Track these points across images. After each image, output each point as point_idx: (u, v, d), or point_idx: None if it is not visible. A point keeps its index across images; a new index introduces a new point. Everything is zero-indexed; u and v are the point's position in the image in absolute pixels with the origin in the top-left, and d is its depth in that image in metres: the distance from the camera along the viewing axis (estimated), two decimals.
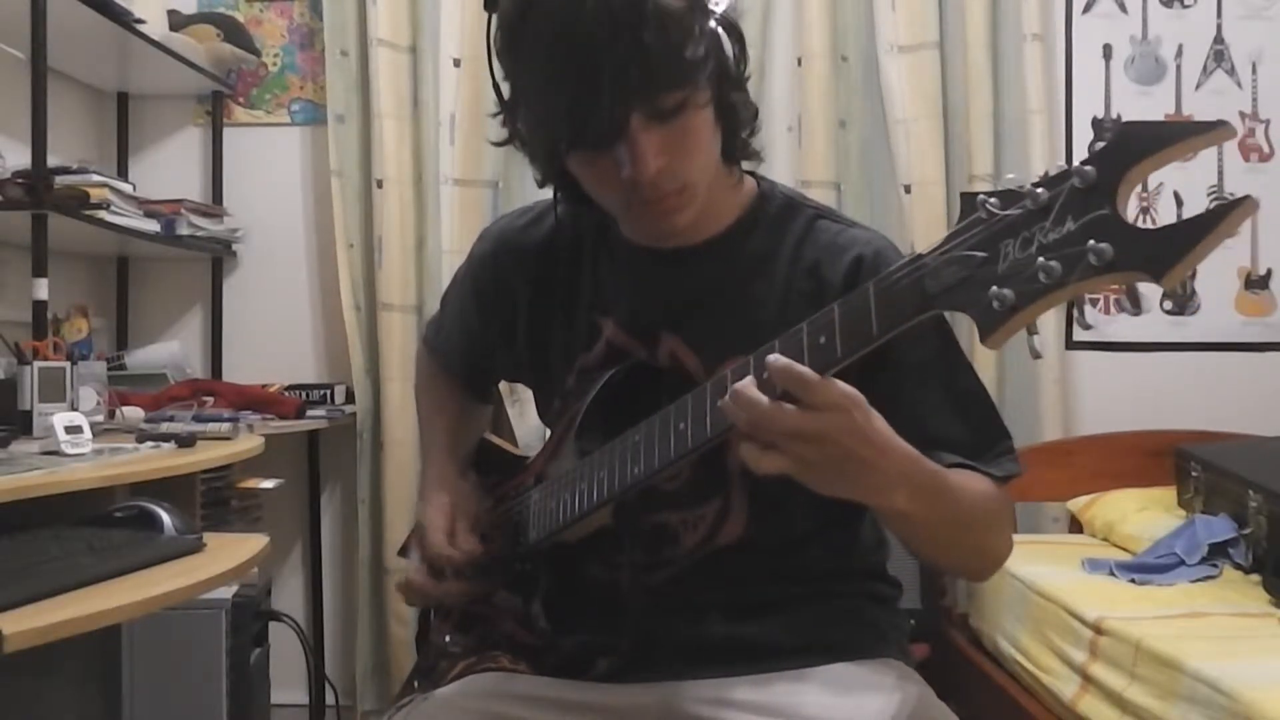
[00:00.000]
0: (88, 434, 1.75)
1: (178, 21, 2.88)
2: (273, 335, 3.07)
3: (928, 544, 1.05)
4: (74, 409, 1.98)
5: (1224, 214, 0.70)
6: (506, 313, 1.28)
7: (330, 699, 2.79)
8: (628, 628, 1.15)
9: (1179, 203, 3.02)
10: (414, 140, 2.94)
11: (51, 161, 2.22)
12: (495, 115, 1.13)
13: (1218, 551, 2.30)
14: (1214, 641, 1.82)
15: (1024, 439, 2.83)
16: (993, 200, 0.79)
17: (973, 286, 0.79)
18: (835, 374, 0.88)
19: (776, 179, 1.25)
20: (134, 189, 2.65)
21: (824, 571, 1.18)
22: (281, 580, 3.02)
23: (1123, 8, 3.04)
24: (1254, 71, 3.04)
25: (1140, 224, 0.72)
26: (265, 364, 3.00)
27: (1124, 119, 3.03)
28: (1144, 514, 2.58)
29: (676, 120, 1.02)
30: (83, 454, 1.70)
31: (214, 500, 2.37)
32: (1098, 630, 1.99)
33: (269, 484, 2.63)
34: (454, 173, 2.91)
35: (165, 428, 2.13)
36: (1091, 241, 0.73)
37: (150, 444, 1.88)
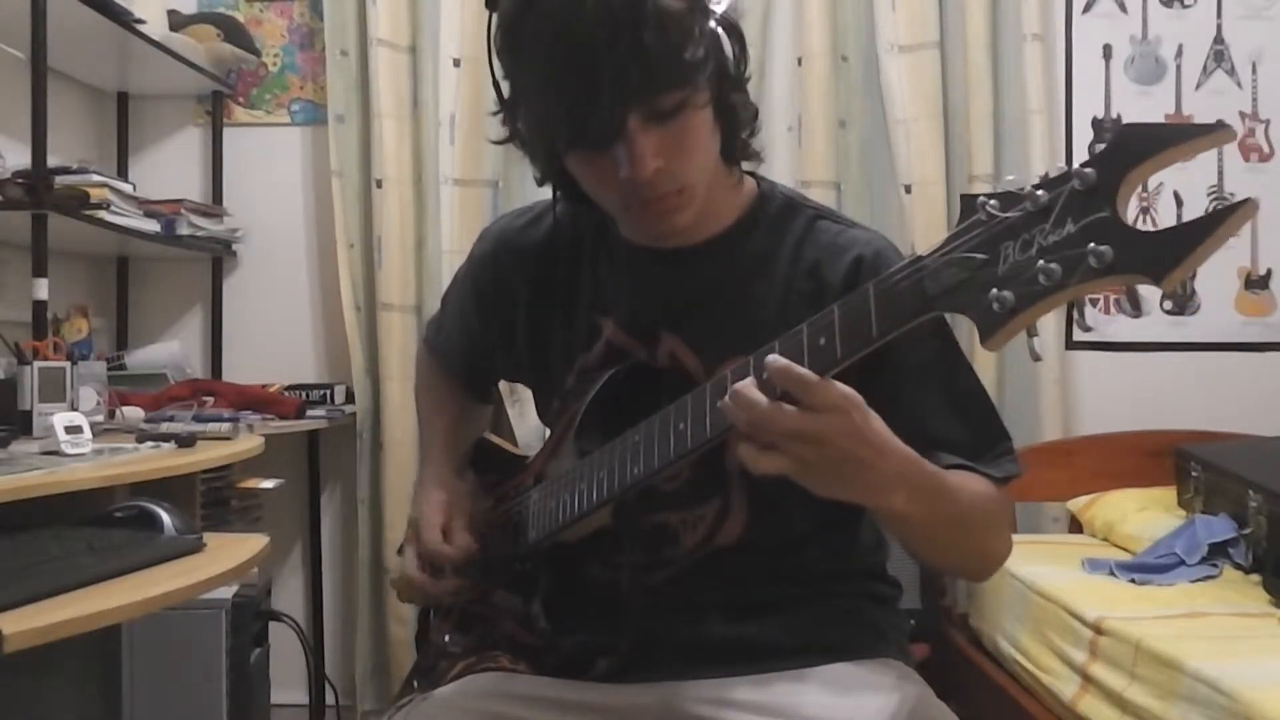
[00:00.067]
0: (88, 434, 1.75)
1: (178, 21, 2.88)
2: (273, 335, 3.07)
3: (927, 545, 1.05)
4: (74, 409, 1.98)
5: (1224, 217, 0.70)
6: (506, 313, 1.28)
7: (330, 699, 2.79)
8: (628, 628, 1.15)
9: (1179, 203, 3.02)
10: (414, 140, 2.94)
11: (51, 161, 2.22)
12: (495, 114, 1.13)
13: (1218, 551, 2.30)
14: (1214, 641, 1.82)
15: (1024, 439, 2.83)
16: (993, 202, 0.79)
17: (973, 288, 0.79)
18: (835, 375, 0.88)
19: (776, 179, 1.25)
20: (134, 189, 2.65)
21: (823, 572, 1.18)
22: (281, 580, 3.02)
23: (1123, 8, 3.04)
24: (1254, 71, 3.04)
25: (1140, 224, 0.72)
26: (265, 364, 3.00)
27: (1124, 119, 3.04)
28: (1144, 514, 2.58)
29: (675, 121, 1.02)
30: (83, 454, 1.70)
31: (214, 500, 2.37)
32: (1098, 630, 1.99)
33: (269, 484, 2.63)
34: (454, 173, 2.91)
35: (165, 428, 2.13)
36: (1091, 244, 0.73)
37: (150, 444, 1.88)
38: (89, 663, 1.93)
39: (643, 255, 1.18)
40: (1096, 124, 3.05)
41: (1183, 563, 2.28)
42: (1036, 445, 2.86)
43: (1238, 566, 2.27)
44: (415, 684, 1.26)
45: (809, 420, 0.86)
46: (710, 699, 1.10)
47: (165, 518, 1.47)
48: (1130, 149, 0.74)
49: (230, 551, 1.47)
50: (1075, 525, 2.84)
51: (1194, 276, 3.02)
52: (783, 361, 0.87)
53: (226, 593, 2.13)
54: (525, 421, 2.73)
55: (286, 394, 2.76)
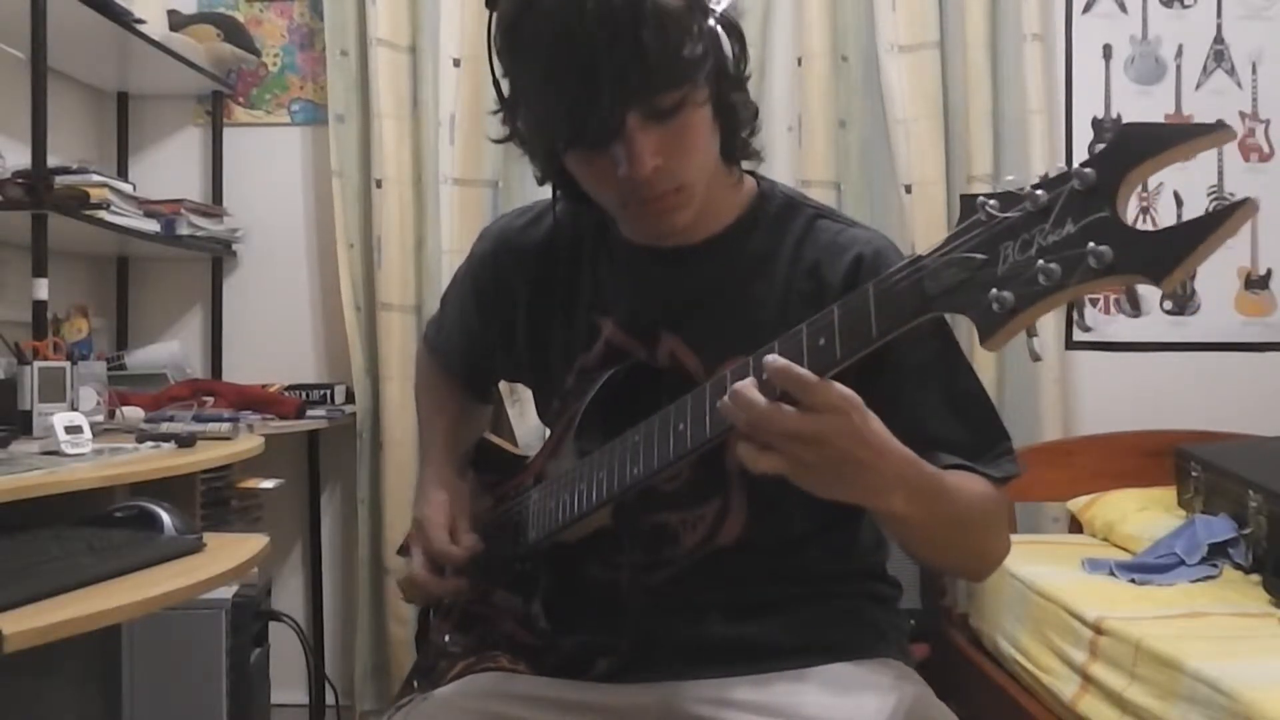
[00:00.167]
0: (88, 434, 1.75)
1: (178, 21, 2.88)
2: (273, 335, 3.07)
3: (925, 546, 1.05)
4: (74, 409, 1.98)
5: (1224, 216, 0.70)
6: (506, 312, 1.28)
7: (330, 699, 2.79)
8: (627, 628, 1.15)
9: (1179, 203, 3.02)
10: (414, 140, 2.94)
11: (51, 161, 2.22)
12: (495, 113, 1.13)
13: (1218, 551, 2.30)
14: (1214, 641, 1.82)
15: (1024, 439, 2.83)
16: (992, 202, 0.79)
17: (972, 288, 0.79)
18: (834, 375, 0.88)
19: (776, 179, 1.25)
20: (134, 189, 2.65)
21: (823, 572, 1.18)
22: (281, 580, 3.02)
23: (1123, 8, 3.04)
24: (1254, 71, 3.04)
25: (1140, 224, 0.72)
26: (265, 364, 3.00)
27: (1124, 119, 3.03)
28: (1144, 514, 2.58)
29: (674, 119, 1.02)
30: (83, 454, 1.70)
31: (214, 500, 2.37)
32: (1098, 630, 1.99)
33: (269, 484, 2.63)
34: (454, 172, 2.91)
35: (165, 428, 2.13)
36: (1091, 244, 0.73)
37: (150, 444, 1.88)
38: (89, 663, 1.93)
39: (643, 255, 1.18)
40: (1096, 124, 3.05)
41: (1183, 563, 2.28)
42: (1036, 445, 2.87)
43: (1238, 566, 2.27)
44: (415, 684, 1.26)
45: (808, 421, 0.86)
46: (710, 699, 1.10)
47: (165, 518, 1.47)
48: (1130, 149, 0.74)
49: (230, 551, 1.47)
50: (1075, 525, 2.84)
51: (1194, 276, 3.02)
52: (782, 362, 0.87)
53: (226, 593, 2.13)
54: (525, 421, 2.73)
55: (286, 394, 2.76)
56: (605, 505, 1.10)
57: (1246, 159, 3.04)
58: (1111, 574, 2.31)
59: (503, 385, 2.13)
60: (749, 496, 1.14)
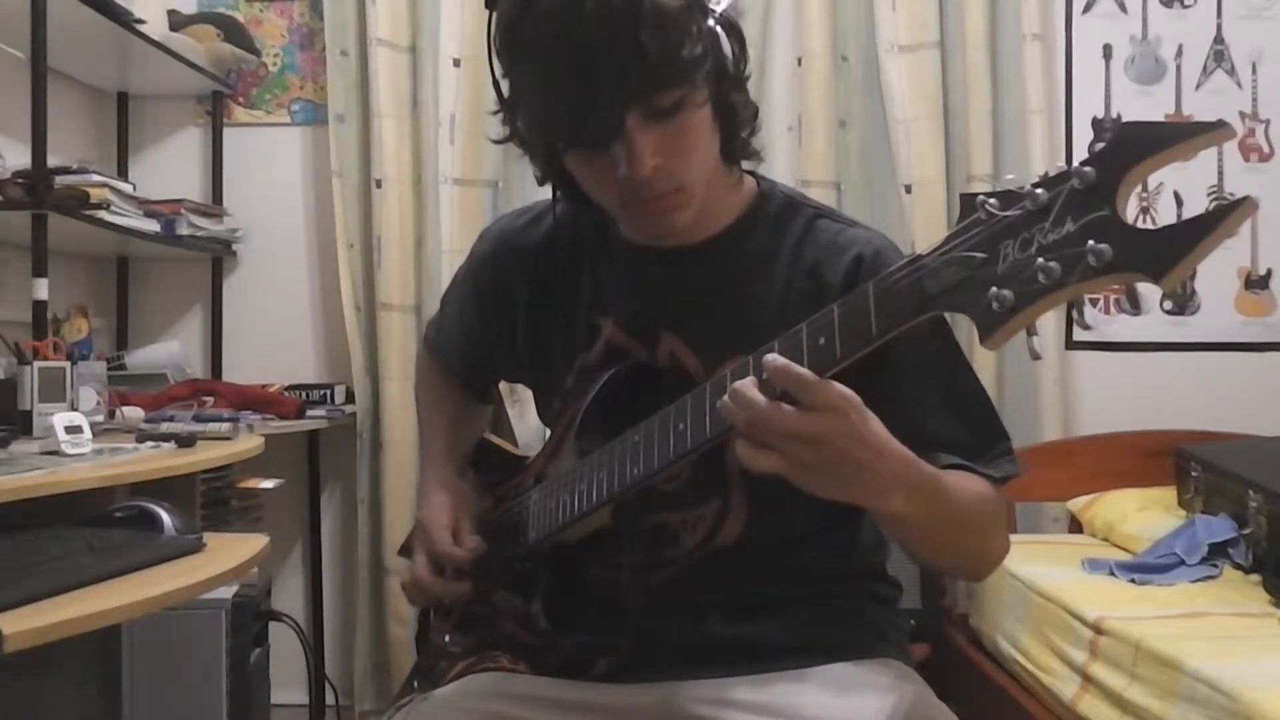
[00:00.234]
0: (88, 434, 1.75)
1: (178, 21, 2.88)
2: (273, 335, 3.07)
3: (924, 546, 1.05)
4: (74, 409, 1.98)
5: (1223, 215, 0.70)
6: (506, 313, 1.28)
7: (330, 699, 2.79)
8: (627, 628, 1.15)
9: (1179, 203, 3.02)
10: (414, 140, 2.94)
11: (51, 161, 2.22)
12: (495, 113, 1.13)
13: (1218, 551, 2.30)
14: (1214, 641, 1.82)
15: (1024, 439, 2.83)
16: (992, 201, 0.79)
17: (972, 287, 0.79)
18: (834, 375, 0.88)
19: (776, 179, 1.25)
20: (134, 189, 2.65)
21: (823, 572, 1.18)
22: (281, 580, 3.02)
23: (1123, 8, 3.04)
24: (1254, 71, 3.04)
25: (1140, 224, 0.72)
26: (265, 364, 3.00)
27: (1124, 119, 3.03)
28: (1144, 514, 2.58)
29: (674, 119, 1.02)
30: (83, 454, 1.70)
31: (214, 500, 2.37)
32: (1098, 630, 1.99)
33: (269, 484, 2.63)
34: (454, 172, 2.91)
35: (165, 428, 2.13)
36: (1091, 242, 0.73)
37: (150, 444, 1.88)
38: (89, 663, 1.93)
39: (643, 255, 1.18)
40: (1096, 124, 3.05)
41: (1183, 563, 2.28)
42: (1036, 445, 2.87)
43: (1238, 566, 2.27)
44: (415, 684, 1.26)
45: (808, 420, 0.86)
46: (710, 699, 1.10)
47: (165, 518, 1.47)
48: (1130, 148, 0.74)
49: (230, 551, 1.47)
50: (1075, 525, 2.84)
51: (1194, 276, 3.03)
52: (782, 361, 0.87)
53: (226, 593, 2.13)
54: (525, 421, 2.73)
55: (286, 394, 2.76)
56: (605, 505, 1.10)
57: (1246, 159, 3.04)
58: (1111, 574, 2.31)
59: (503, 385, 2.13)
60: (749, 496, 1.14)
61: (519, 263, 1.27)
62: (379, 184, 2.90)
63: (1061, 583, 2.27)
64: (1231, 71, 3.04)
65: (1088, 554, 2.46)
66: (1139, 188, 2.87)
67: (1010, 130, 2.91)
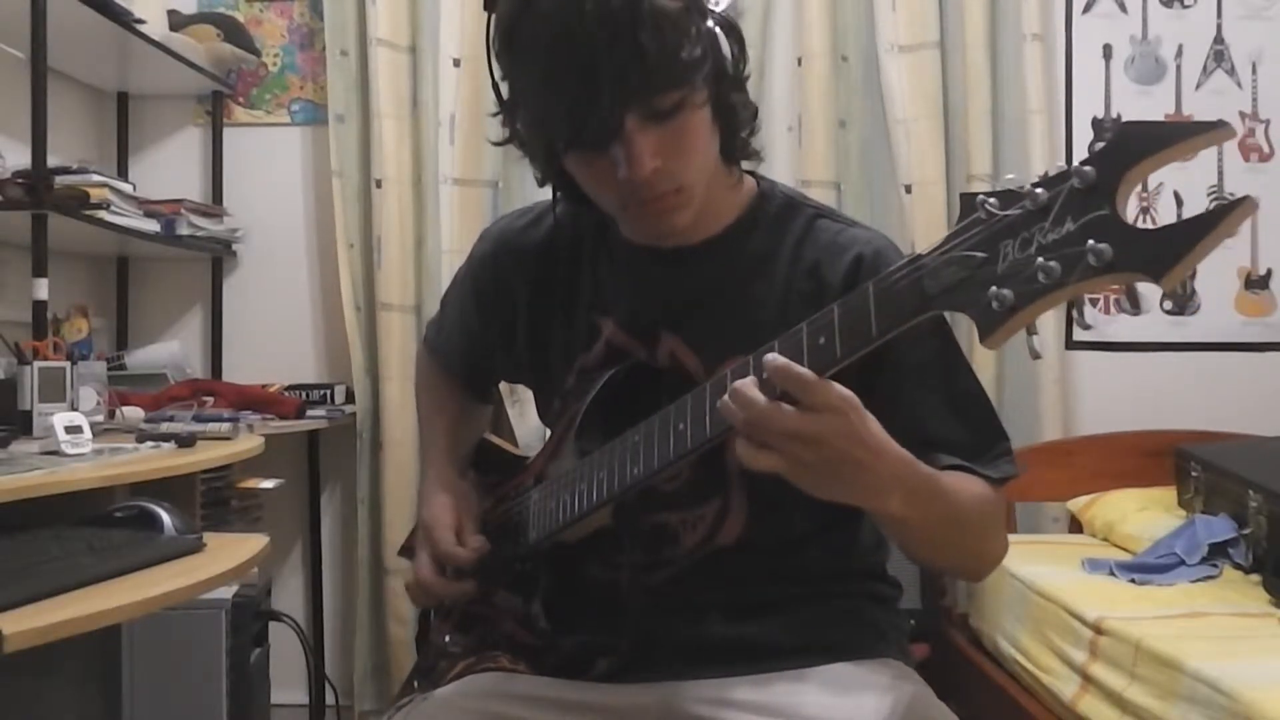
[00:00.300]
0: (88, 434, 1.75)
1: (178, 21, 2.88)
2: (273, 335, 3.07)
3: (923, 546, 1.06)
4: (74, 409, 1.98)
5: (1223, 214, 0.70)
6: (506, 313, 1.28)
7: (330, 699, 2.79)
8: (628, 628, 1.15)
9: (1179, 202, 3.02)
10: (414, 140, 2.94)
11: (51, 161, 2.22)
12: (495, 115, 1.13)
13: (1218, 551, 2.30)
14: (1214, 641, 1.82)
15: (1024, 439, 2.83)
16: (992, 200, 0.79)
17: (972, 287, 0.79)
18: (834, 374, 0.88)
19: (776, 179, 1.25)
20: (134, 189, 2.65)
21: (823, 572, 1.18)
22: (281, 580, 3.02)
23: (1123, 8, 3.04)
24: (1254, 71, 3.04)
25: (1140, 223, 0.72)
26: (265, 364, 3.00)
27: (1124, 119, 3.03)
28: (1144, 514, 2.58)
29: (673, 120, 1.02)
30: (83, 454, 1.70)
31: (214, 500, 2.37)
32: (1098, 630, 1.99)
33: (269, 484, 2.63)
34: (454, 172, 2.91)
35: (165, 428, 2.13)
36: (1091, 242, 0.73)
37: (150, 444, 1.88)
38: (89, 663, 1.93)
39: (643, 255, 1.18)
40: (1096, 124, 3.05)
41: (1183, 563, 2.28)
42: (1036, 445, 2.87)
43: (1238, 566, 2.27)
44: (415, 684, 1.26)
45: (807, 420, 0.86)
46: (710, 699, 1.10)
47: (165, 518, 1.47)
48: (1130, 147, 0.74)
49: (230, 551, 1.47)
50: (1075, 525, 2.84)
51: (1194, 276, 3.03)
52: (782, 361, 0.87)
53: (226, 593, 2.13)
54: (525, 421, 2.73)
55: (286, 394, 2.76)
56: (605, 505, 1.10)
57: (1246, 159, 3.04)
58: (1111, 574, 2.31)
59: (503, 385, 2.13)
60: (749, 496, 1.14)
61: (519, 263, 1.27)
62: (379, 184, 2.90)
63: (1061, 583, 2.27)
64: (1231, 71, 3.04)
65: (1088, 554, 2.46)
66: (1139, 187, 2.87)
67: (1010, 130, 2.91)
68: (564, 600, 1.18)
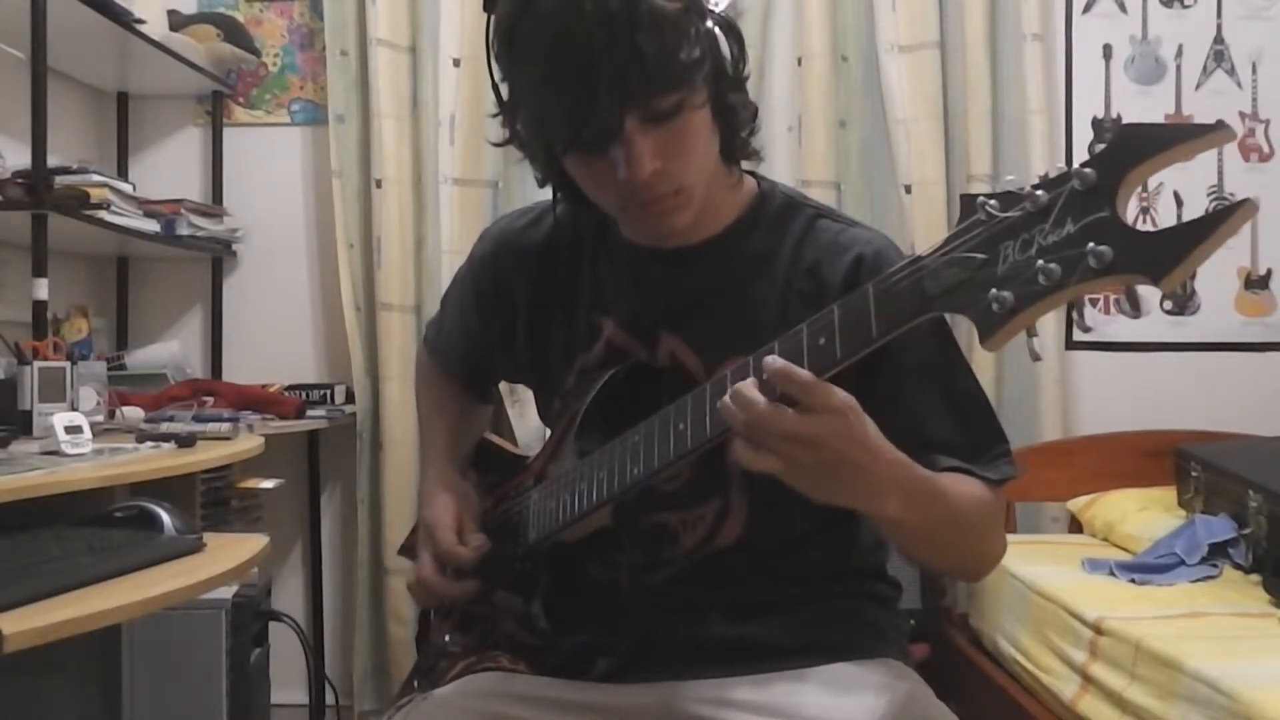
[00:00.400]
0: (88, 434, 1.75)
1: (178, 21, 2.88)
2: (273, 335, 3.07)
3: (921, 548, 1.06)
4: (74, 409, 1.98)
5: (1224, 217, 0.70)
6: (506, 313, 1.28)
7: (330, 699, 2.79)
8: (627, 628, 1.15)
9: (1179, 203, 3.02)
10: (414, 140, 2.94)
11: (51, 161, 2.22)
12: (495, 115, 1.13)
13: (1218, 551, 2.30)
14: (1214, 641, 1.82)
15: (1024, 439, 2.83)
16: (992, 202, 0.79)
17: (972, 288, 0.79)
18: (834, 375, 0.88)
19: (776, 179, 1.25)
20: (134, 189, 2.65)
21: (823, 572, 1.18)
22: (281, 580, 3.02)
23: (1123, 8, 3.04)
24: (1254, 71, 3.04)
25: (1140, 224, 0.72)
26: (265, 364, 3.00)
27: (1124, 119, 3.04)
28: (1144, 514, 2.58)
29: (673, 122, 1.02)
30: (83, 454, 1.70)
31: (214, 500, 2.37)
32: (1098, 630, 1.99)
33: (269, 484, 2.63)
34: (454, 173, 2.91)
35: (165, 428, 2.13)
36: (1091, 244, 0.73)
37: (150, 444, 1.88)
38: (89, 663, 1.93)
39: (643, 255, 1.18)
40: (1096, 124, 3.05)
41: (1183, 563, 2.28)
42: (1036, 445, 2.87)
43: (1238, 566, 2.27)
44: (415, 684, 1.26)
45: (806, 423, 0.87)
46: (710, 699, 1.10)
47: (165, 518, 1.47)
48: (1130, 149, 0.74)
49: (230, 551, 1.47)
50: (1075, 525, 2.84)
51: (1194, 276, 3.02)
52: (781, 363, 0.87)
53: (226, 593, 2.13)
54: (525, 421, 2.73)
55: (286, 394, 2.76)
56: (605, 505, 1.10)
57: (1246, 159, 3.04)
58: (1111, 574, 2.31)
59: (503, 385, 2.14)
60: (749, 496, 1.14)
61: (519, 263, 1.27)
62: (379, 184, 2.90)
63: (1061, 583, 2.27)
64: (1231, 71, 3.04)
65: (1088, 554, 2.46)
66: (1139, 189, 2.86)
67: (1010, 130, 2.91)
68: (564, 600, 1.18)
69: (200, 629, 2.11)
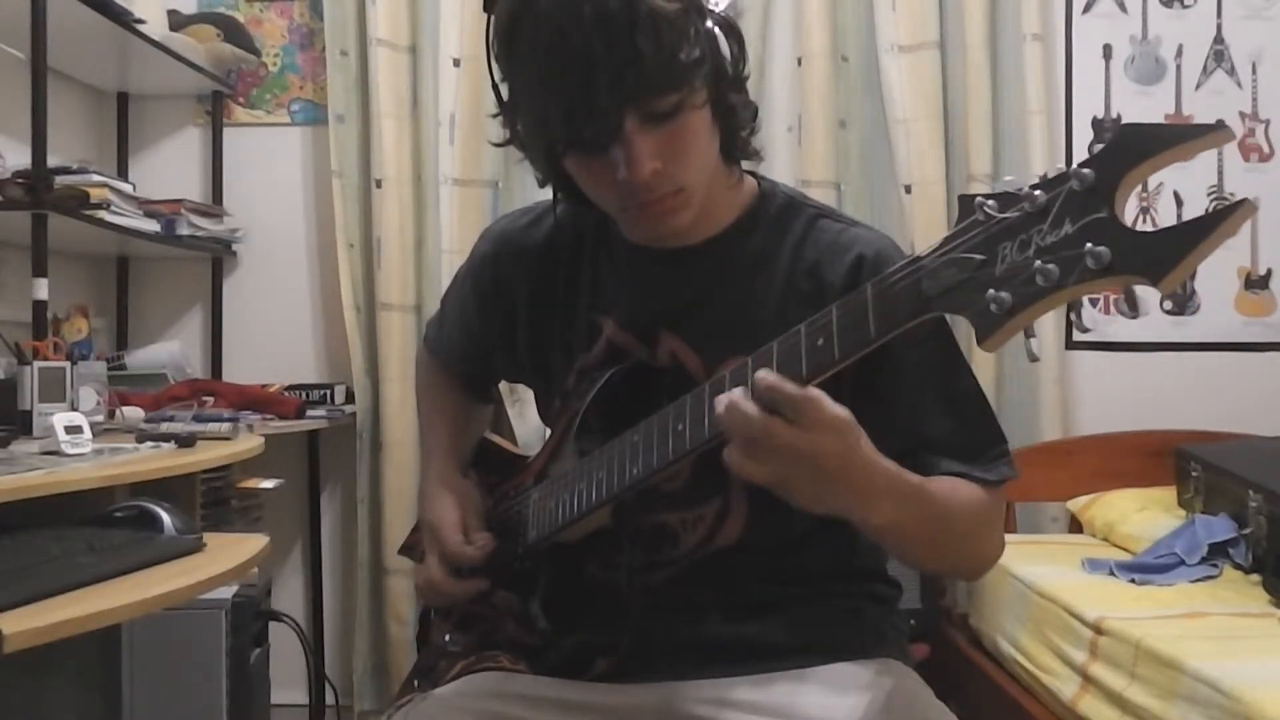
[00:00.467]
0: (88, 434, 1.75)
1: (178, 21, 2.88)
2: (273, 335, 3.08)
3: (913, 553, 1.06)
4: (74, 409, 1.98)
5: (1222, 217, 0.70)
6: (507, 313, 1.28)
7: (330, 699, 2.79)
8: (627, 628, 1.15)
9: (1179, 203, 3.02)
10: (413, 140, 2.94)
11: (51, 161, 2.22)
12: (495, 116, 1.13)
13: (1218, 551, 2.30)
14: (1214, 641, 1.82)
15: (1024, 439, 2.84)
16: (991, 202, 0.79)
17: (970, 289, 0.79)
18: (833, 375, 0.88)
19: (776, 179, 1.25)
20: (134, 189, 2.65)
21: (823, 572, 1.18)
22: (281, 580, 3.02)
23: (1123, 8, 3.04)
24: (1254, 71, 3.04)
25: (1140, 225, 0.72)
26: (265, 364, 3.00)
27: (1124, 119, 3.04)
28: (1144, 514, 2.58)
29: (672, 122, 1.02)
30: (83, 454, 1.70)
31: (214, 500, 2.37)
32: (1098, 630, 1.99)
33: (269, 484, 2.63)
34: (453, 173, 2.91)
35: (165, 428, 2.13)
36: (1089, 244, 0.73)
37: (150, 444, 1.88)
38: (89, 663, 1.93)
39: (643, 255, 1.18)
40: (1096, 124, 3.05)
41: (1183, 563, 2.28)
42: (1036, 445, 2.87)
43: (1238, 566, 2.28)
44: (416, 684, 1.26)
45: (797, 435, 0.87)
46: (710, 699, 1.10)
47: (165, 518, 1.47)
48: (1129, 149, 0.74)
49: (230, 551, 1.47)
50: (1075, 525, 2.84)
51: (1194, 276, 3.03)
52: (773, 378, 0.88)
53: (226, 593, 2.12)
54: (525, 421, 2.73)
55: (286, 394, 2.76)
56: (605, 505, 1.10)
57: (1246, 159, 3.04)
58: (1111, 574, 2.31)
59: (503, 385, 2.13)
60: (749, 496, 1.14)
61: (520, 263, 1.27)
62: (379, 184, 2.90)
63: (1061, 583, 2.27)
64: (1231, 71, 3.04)
65: (1088, 554, 2.46)
66: (1139, 189, 2.87)
67: (1010, 130, 2.91)
68: (564, 600, 1.19)
69: (200, 629, 2.11)
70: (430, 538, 1.24)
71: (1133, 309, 3.02)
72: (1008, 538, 1.16)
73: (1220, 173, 3.03)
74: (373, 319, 2.94)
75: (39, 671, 1.74)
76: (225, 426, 2.23)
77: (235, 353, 3.06)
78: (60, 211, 2.22)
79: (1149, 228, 0.73)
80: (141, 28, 2.53)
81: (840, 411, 0.88)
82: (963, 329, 0.89)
